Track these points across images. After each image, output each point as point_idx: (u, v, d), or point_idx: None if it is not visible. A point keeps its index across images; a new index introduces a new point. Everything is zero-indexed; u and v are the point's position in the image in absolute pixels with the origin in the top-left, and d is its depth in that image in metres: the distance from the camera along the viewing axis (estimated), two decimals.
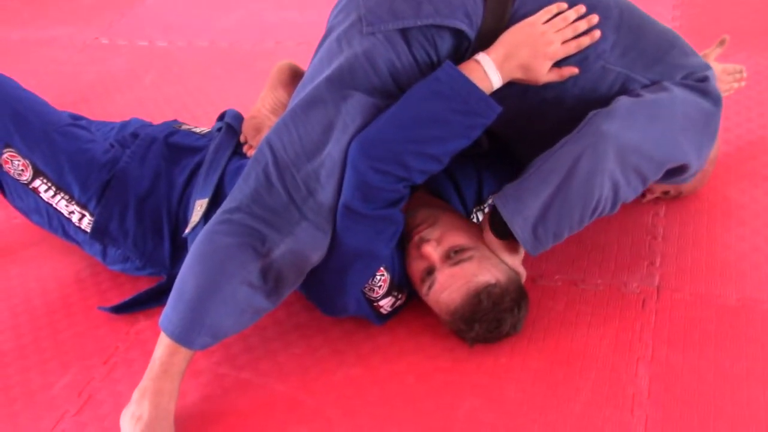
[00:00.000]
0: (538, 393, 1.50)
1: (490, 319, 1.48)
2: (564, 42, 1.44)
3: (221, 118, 1.86)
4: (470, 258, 1.51)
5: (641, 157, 1.41)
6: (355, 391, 1.55)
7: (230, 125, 1.79)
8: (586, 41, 1.45)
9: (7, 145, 1.68)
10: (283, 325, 1.71)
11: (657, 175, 1.46)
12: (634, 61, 1.48)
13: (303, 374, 1.60)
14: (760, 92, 2.22)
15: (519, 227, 1.44)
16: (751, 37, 2.46)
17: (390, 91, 1.46)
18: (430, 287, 1.53)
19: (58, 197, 1.71)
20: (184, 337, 1.44)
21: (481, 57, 1.43)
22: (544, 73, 1.45)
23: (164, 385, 1.45)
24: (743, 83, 1.94)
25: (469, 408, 1.49)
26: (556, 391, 1.49)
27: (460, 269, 1.50)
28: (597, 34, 1.45)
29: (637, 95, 1.45)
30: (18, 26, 3.22)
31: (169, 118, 2.28)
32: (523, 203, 1.43)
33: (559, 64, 1.46)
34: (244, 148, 1.75)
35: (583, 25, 1.44)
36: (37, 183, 1.70)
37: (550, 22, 1.44)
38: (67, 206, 1.71)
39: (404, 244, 1.57)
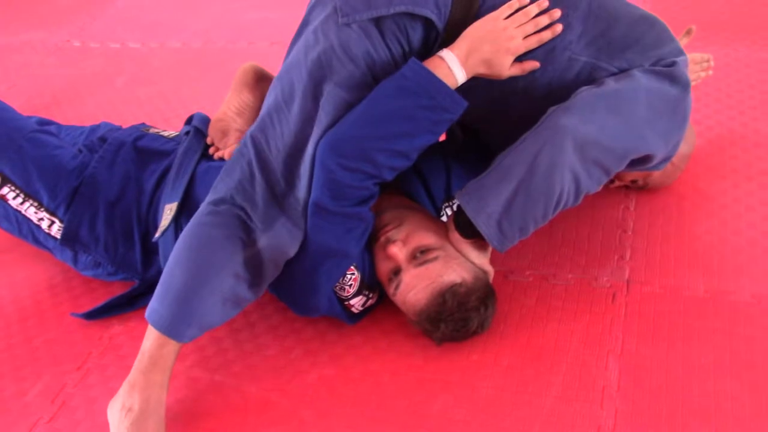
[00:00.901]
0: (509, 388, 1.51)
1: (456, 319, 1.49)
2: (525, 37, 1.45)
3: (189, 121, 1.87)
4: (436, 258, 1.51)
5: (601, 150, 1.42)
6: (328, 391, 1.56)
7: (198, 128, 1.80)
8: (547, 36, 1.45)
9: None
10: (255, 327, 1.71)
11: (619, 167, 1.47)
12: (601, 50, 1.49)
13: (276, 376, 1.60)
14: (729, 84, 2.23)
15: (483, 223, 1.45)
16: (721, 29, 2.48)
17: (368, 83, 1.46)
18: (396, 287, 1.54)
19: (27, 204, 1.70)
20: (173, 329, 1.44)
21: (445, 53, 1.44)
22: (506, 68, 1.46)
23: (154, 378, 1.45)
24: (710, 72, 1.95)
25: (442, 405, 1.50)
26: (527, 387, 1.51)
27: (425, 269, 1.50)
28: (558, 28, 1.45)
29: (601, 84, 1.45)
30: None
31: (142, 120, 2.28)
32: (485, 200, 1.44)
33: (523, 57, 1.47)
34: (211, 150, 1.76)
35: (544, 20, 1.45)
36: (5, 190, 1.69)
37: (511, 17, 1.44)
38: (36, 213, 1.70)
39: (373, 245, 1.58)
